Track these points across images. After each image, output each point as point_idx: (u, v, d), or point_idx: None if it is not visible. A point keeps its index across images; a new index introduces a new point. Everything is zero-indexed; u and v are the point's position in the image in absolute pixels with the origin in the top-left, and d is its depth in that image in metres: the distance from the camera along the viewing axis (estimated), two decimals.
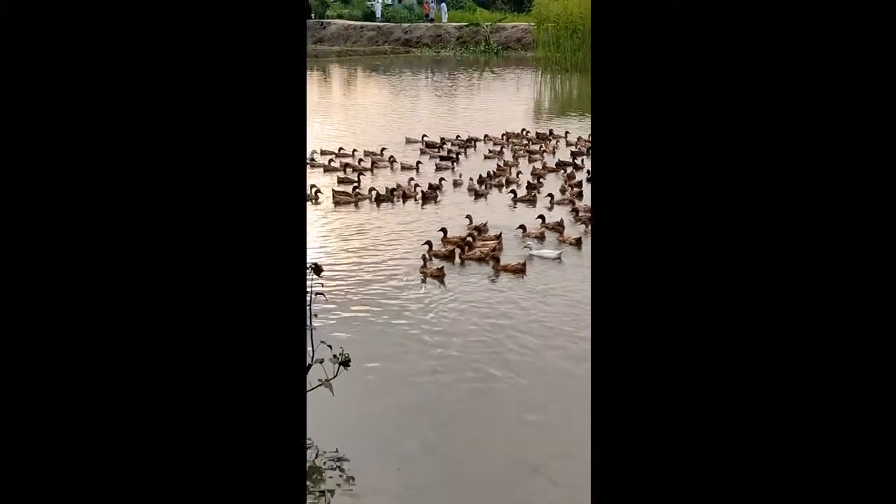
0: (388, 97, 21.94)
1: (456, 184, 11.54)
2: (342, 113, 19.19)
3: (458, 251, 8.17)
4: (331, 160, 12.91)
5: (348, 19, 37.59)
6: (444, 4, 36.89)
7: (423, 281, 7.64)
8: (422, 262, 7.91)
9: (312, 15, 36.64)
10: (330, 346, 4.88)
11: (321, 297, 4.91)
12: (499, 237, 8.57)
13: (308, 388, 4.78)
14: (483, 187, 11.22)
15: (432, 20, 36.39)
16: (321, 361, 4.78)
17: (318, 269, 4.95)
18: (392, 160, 12.78)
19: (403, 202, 10.60)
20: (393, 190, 10.79)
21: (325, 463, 4.61)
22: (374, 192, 10.69)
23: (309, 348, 4.83)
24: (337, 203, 10.46)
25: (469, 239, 8.45)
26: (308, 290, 4.89)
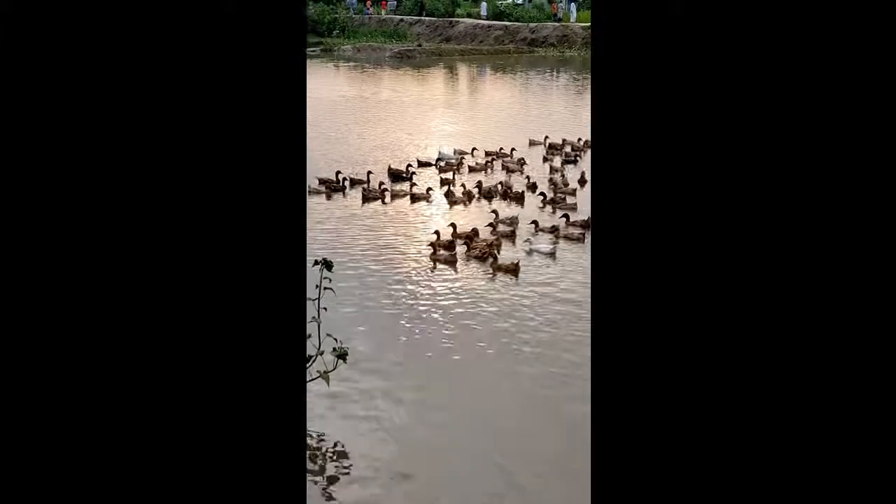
0: (511, 97, 22.01)
1: (582, 183, 11.60)
2: (466, 112, 19.42)
3: (463, 245, 8.61)
4: (462, 159, 13.16)
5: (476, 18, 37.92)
6: (573, 4, 36.52)
7: (434, 268, 8.11)
8: (431, 250, 8.44)
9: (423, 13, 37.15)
10: (336, 339, 5.09)
11: (330, 292, 5.10)
12: (508, 234, 8.97)
13: (309, 379, 5.02)
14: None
15: (560, 20, 36.12)
16: (321, 353, 4.99)
17: (328, 265, 5.16)
18: (522, 162, 12.84)
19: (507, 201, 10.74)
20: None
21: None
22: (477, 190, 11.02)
23: (316, 341, 5.06)
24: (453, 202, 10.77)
25: (472, 234, 8.76)
26: (317, 285, 5.12)
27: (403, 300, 7.22)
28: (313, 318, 5.14)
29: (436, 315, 6.89)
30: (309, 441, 4.83)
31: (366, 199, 10.95)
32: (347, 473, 4.54)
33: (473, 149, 13.60)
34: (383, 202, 10.86)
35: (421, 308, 7.05)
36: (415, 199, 11.02)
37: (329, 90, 22.72)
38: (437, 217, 9.76)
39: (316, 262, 5.19)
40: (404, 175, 12.10)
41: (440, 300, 7.24)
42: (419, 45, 33.74)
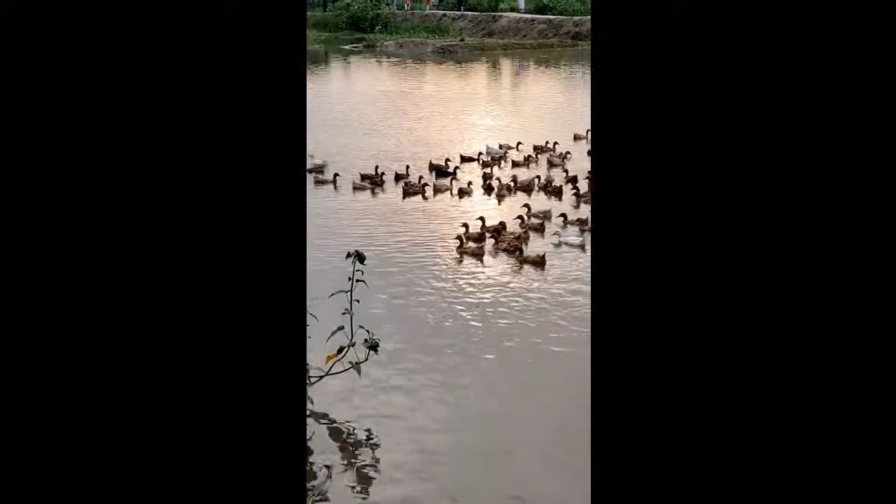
0: (555, 91, 21.91)
1: None
2: (509, 106, 19.40)
3: (490, 238, 8.71)
4: (506, 152, 13.23)
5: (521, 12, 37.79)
6: None
7: (460, 260, 8.27)
8: (458, 243, 8.55)
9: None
10: (368, 330, 5.14)
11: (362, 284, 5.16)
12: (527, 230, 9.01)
13: (342, 369, 5.08)
14: None
15: None
16: (352, 345, 5.05)
17: (360, 258, 5.21)
18: (564, 156, 12.80)
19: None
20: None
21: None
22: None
23: (349, 332, 5.12)
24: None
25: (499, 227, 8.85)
26: (350, 277, 5.18)
27: (431, 292, 7.31)
28: (346, 309, 5.21)
29: (460, 306, 6.96)
30: (339, 431, 4.88)
31: (406, 193, 11.01)
32: (375, 466, 4.58)
33: (518, 143, 13.57)
34: (423, 197, 10.89)
35: (448, 300, 7.14)
36: (458, 193, 11.07)
37: (371, 85, 22.86)
38: (474, 211, 9.78)
39: (349, 255, 5.25)
40: (446, 170, 12.12)
41: (466, 292, 7.33)
42: (461, 40, 33.72)
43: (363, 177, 11.58)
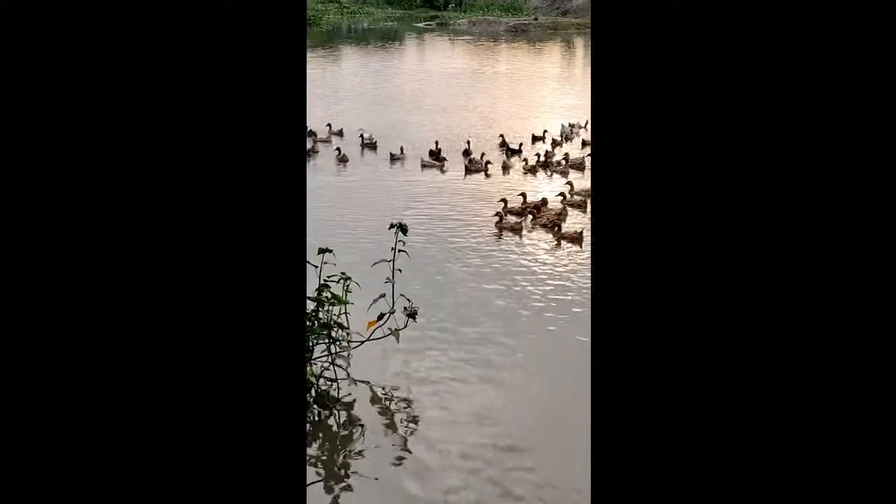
0: None
1: None
2: (581, 85, 19.27)
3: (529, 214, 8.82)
4: (577, 131, 13.39)
5: None
6: None
7: (500, 234, 8.43)
8: (497, 218, 8.68)
9: None
10: (409, 300, 5.31)
11: (404, 253, 5.33)
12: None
13: (380, 336, 5.27)
14: None
15: None
16: (392, 312, 5.23)
17: (403, 229, 5.38)
18: None
19: None
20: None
21: None
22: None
23: (390, 300, 5.30)
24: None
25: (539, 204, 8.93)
26: (393, 247, 5.35)
27: (469, 264, 7.49)
28: (388, 278, 5.39)
29: (496, 278, 7.11)
30: (380, 396, 5.07)
31: (468, 171, 11.13)
32: (410, 428, 4.74)
33: (587, 122, 13.58)
34: (486, 175, 11.00)
35: (485, 272, 7.30)
36: (512, 170, 11.20)
37: (443, 64, 22.94)
38: (531, 189, 9.85)
39: (391, 226, 5.42)
40: (511, 147, 12.22)
41: (502, 265, 7.48)
42: (535, 19, 33.45)
43: (431, 153, 11.75)
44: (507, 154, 12.09)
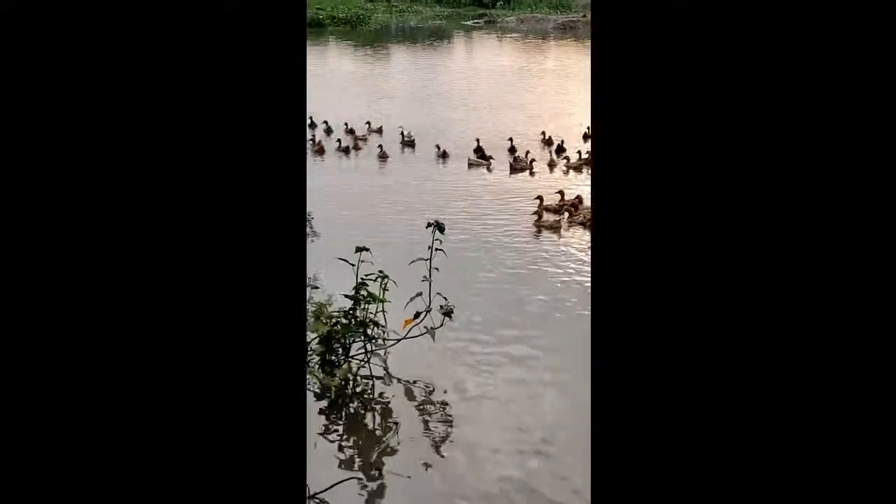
0: None
1: None
2: None
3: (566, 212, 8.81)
4: None
5: None
6: None
7: (538, 232, 8.45)
8: (536, 217, 8.70)
9: None
10: (445, 298, 5.32)
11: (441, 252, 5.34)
12: None
13: (417, 334, 5.29)
14: None
15: None
16: (428, 311, 5.24)
17: (440, 228, 5.39)
18: None
19: None
20: None
21: None
22: None
23: (427, 298, 5.32)
24: None
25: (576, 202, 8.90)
26: (429, 246, 5.37)
27: (507, 263, 7.50)
28: (424, 277, 5.41)
29: (534, 278, 7.10)
30: (415, 394, 5.09)
31: (513, 169, 11.11)
32: (446, 424, 4.76)
33: None
34: (531, 173, 10.97)
35: (521, 272, 7.29)
36: (566, 169, 11.20)
37: (489, 61, 22.90)
38: (569, 186, 9.80)
39: (429, 225, 5.44)
40: (555, 145, 12.18)
41: (539, 264, 7.48)
42: (583, 16, 33.17)
43: (476, 151, 11.74)
44: (551, 152, 12.04)
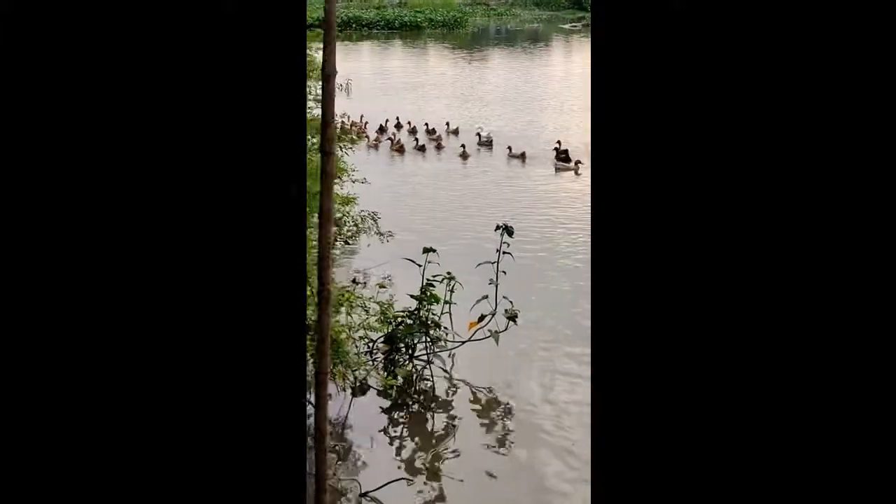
0: None
1: None
2: None
3: None
4: None
5: None
6: None
7: None
8: None
9: None
10: (511, 301, 5.28)
11: (508, 256, 5.30)
12: None
13: (481, 337, 5.27)
14: None
15: None
16: (493, 314, 5.21)
17: (509, 231, 5.35)
18: None
19: None
20: None
21: None
22: None
23: (493, 301, 5.30)
24: None
25: None
26: (498, 249, 5.35)
27: (576, 271, 7.38)
28: (491, 280, 5.37)
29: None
30: (477, 396, 5.07)
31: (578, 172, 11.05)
32: (506, 428, 4.72)
33: None
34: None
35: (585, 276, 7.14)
36: None
37: (585, 64, 22.67)
38: None
39: (497, 227, 5.41)
40: None
41: None
42: None
43: (558, 155, 11.72)
44: None
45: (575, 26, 33.25)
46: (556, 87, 18.61)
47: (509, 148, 12.04)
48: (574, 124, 14.24)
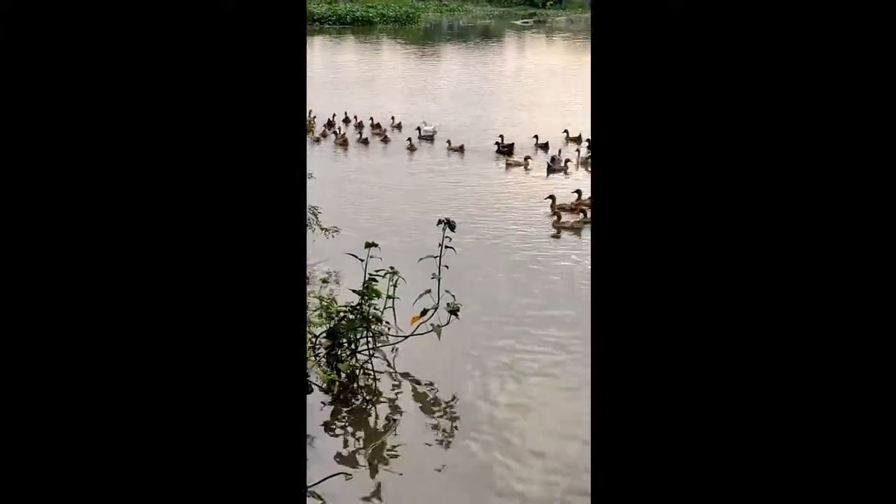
0: None
1: None
2: None
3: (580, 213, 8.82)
4: None
5: None
6: None
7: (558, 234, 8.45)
8: (555, 218, 8.66)
9: None
10: (454, 295, 5.30)
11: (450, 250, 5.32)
12: None
13: (425, 331, 5.28)
14: None
15: None
16: (435, 309, 5.22)
17: (451, 225, 5.36)
18: None
19: None
20: None
21: None
22: None
23: (435, 296, 5.31)
24: None
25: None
26: (440, 244, 5.36)
27: (522, 263, 7.49)
28: (434, 274, 5.39)
29: (548, 277, 7.09)
30: (418, 389, 5.08)
31: (551, 170, 11.09)
32: (450, 423, 4.74)
33: None
34: (565, 174, 10.94)
35: (536, 268, 7.29)
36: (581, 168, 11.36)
37: (534, 61, 22.81)
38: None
39: (439, 222, 5.42)
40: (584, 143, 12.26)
41: (555, 264, 7.48)
42: None
43: (498, 147, 11.84)
44: (579, 150, 12.03)
45: (527, 22, 33.41)
46: (508, 83, 18.70)
47: (448, 142, 12.15)
48: (525, 120, 14.31)
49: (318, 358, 5.12)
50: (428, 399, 5.00)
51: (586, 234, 8.28)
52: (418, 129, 12.91)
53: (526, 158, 11.35)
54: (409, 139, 12.29)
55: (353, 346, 5.15)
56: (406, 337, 5.38)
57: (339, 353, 5.11)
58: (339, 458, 4.40)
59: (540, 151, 12.09)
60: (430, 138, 12.72)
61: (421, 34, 30.05)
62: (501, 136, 12.13)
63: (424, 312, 5.26)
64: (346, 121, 13.85)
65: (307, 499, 3.86)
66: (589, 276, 6.13)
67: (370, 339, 5.15)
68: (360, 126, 13.54)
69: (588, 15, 33.13)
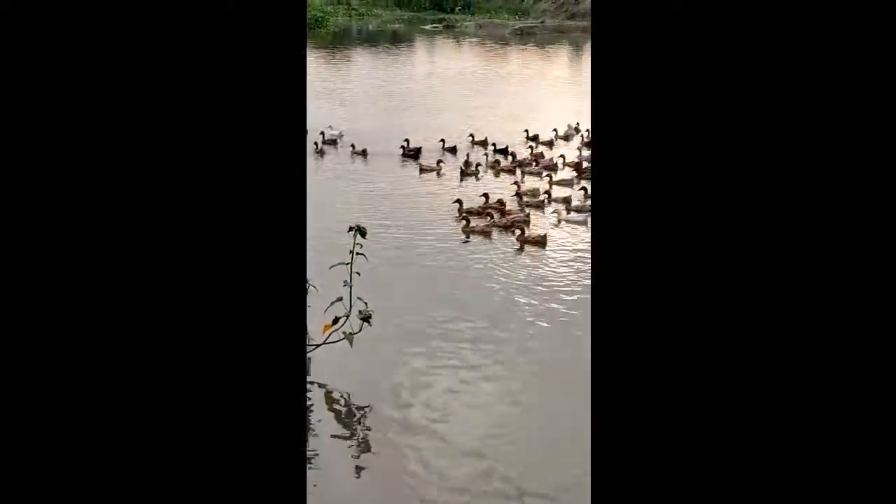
0: None
1: None
2: (584, 87, 19.25)
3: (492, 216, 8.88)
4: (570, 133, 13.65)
5: None
6: None
7: (467, 237, 8.51)
8: (464, 222, 8.71)
9: None
10: (366, 302, 5.29)
11: (362, 257, 5.32)
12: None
13: (337, 339, 5.26)
14: None
15: None
16: (347, 316, 5.21)
17: (362, 232, 5.36)
18: None
19: None
20: None
21: None
22: None
23: (347, 303, 5.29)
24: None
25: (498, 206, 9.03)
26: (351, 250, 5.34)
27: (432, 267, 7.57)
28: (345, 281, 5.37)
29: (459, 282, 7.20)
30: (332, 397, 5.06)
31: (464, 174, 11.15)
32: (365, 430, 4.74)
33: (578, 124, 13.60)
34: (476, 178, 11.00)
35: (449, 274, 7.40)
36: (491, 171, 11.42)
37: (445, 66, 22.94)
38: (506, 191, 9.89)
39: (350, 229, 5.41)
40: (503, 150, 12.27)
41: (467, 268, 7.58)
42: (542, 22, 33.42)
43: (404, 151, 11.91)
44: (487, 154, 12.08)
45: (436, 27, 33.55)
46: (418, 87, 18.74)
47: (352, 146, 12.13)
48: (434, 124, 14.36)
49: None
50: (341, 407, 4.98)
51: (496, 238, 8.38)
52: (322, 133, 12.77)
53: (438, 162, 11.40)
54: (316, 143, 12.16)
55: None
56: (318, 345, 5.35)
57: None
58: None
59: (448, 155, 12.16)
60: (333, 142, 12.64)
61: (330, 38, 29.82)
62: (407, 140, 12.12)
63: (336, 320, 5.24)
64: None
65: None
66: (496, 280, 6.26)
67: None
68: None
69: (495, 20, 33.55)
